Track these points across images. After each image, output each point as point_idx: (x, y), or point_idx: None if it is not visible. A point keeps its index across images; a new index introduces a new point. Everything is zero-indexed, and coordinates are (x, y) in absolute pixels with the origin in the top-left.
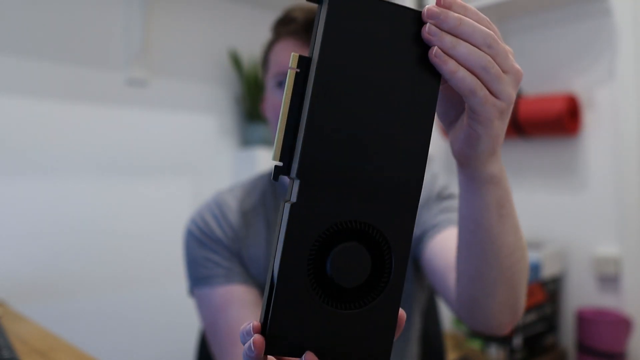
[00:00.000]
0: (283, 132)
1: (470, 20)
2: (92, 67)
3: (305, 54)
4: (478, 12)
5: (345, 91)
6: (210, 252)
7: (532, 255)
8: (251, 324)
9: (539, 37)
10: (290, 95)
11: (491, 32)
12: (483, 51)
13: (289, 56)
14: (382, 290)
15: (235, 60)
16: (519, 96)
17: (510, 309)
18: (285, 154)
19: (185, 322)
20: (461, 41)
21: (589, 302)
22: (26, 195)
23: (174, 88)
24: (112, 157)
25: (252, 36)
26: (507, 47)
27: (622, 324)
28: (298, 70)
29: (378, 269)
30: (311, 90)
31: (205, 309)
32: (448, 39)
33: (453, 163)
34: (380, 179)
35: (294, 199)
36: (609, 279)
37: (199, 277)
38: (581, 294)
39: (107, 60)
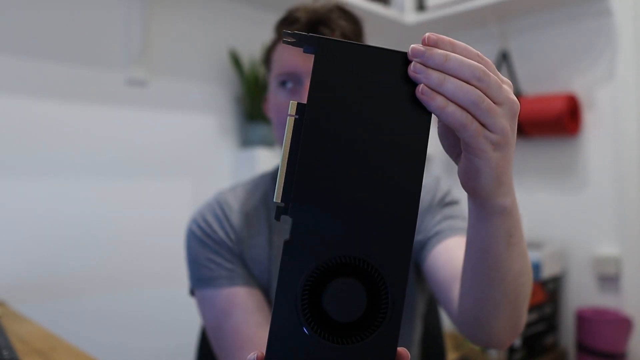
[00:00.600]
0: (284, 174)
1: (457, 56)
2: (92, 67)
3: (307, 54)
4: (467, 47)
5: (335, 134)
6: (212, 253)
7: (532, 255)
8: (255, 355)
9: (539, 37)
10: (289, 140)
11: (481, 65)
12: (473, 85)
13: (290, 57)
14: (379, 325)
15: (235, 60)
16: (519, 96)
17: (513, 327)
18: (286, 195)
19: (185, 322)
20: (449, 77)
21: (589, 302)
22: (26, 195)
23: (174, 88)
24: (112, 157)
25: (252, 36)
26: (504, 78)
27: (622, 324)
28: (297, 116)
29: (375, 304)
30: (302, 134)
31: (209, 311)
32: (435, 76)
33: (453, 164)
34: (374, 216)
35: (287, 236)
36: (609, 279)
37: (201, 278)
38: (581, 294)
39: (107, 60)
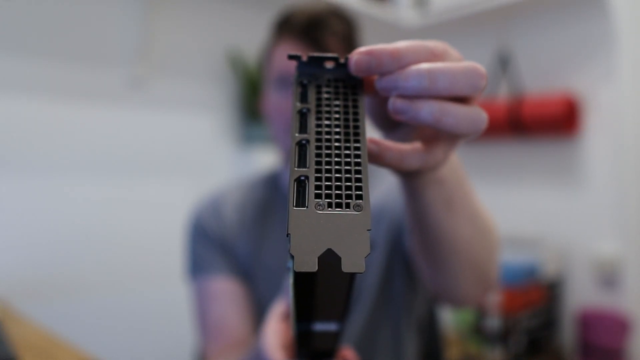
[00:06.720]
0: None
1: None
2: (91, 66)
3: (305, 54)
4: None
5: None
6: (201, 243)
7: (532, 255)
8: None
9: (539, 37)
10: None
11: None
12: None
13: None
14: None
15: (236, 60)
16: (520, 97)
17: (480, 285)
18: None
19: (185, 321)
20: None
21: (589, 302)
22: (26, 195)
23: (174, 87)
24: (111, 157)
25: (253, 36)
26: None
27: (622, 324)
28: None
29: None
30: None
31: (194, 297)
32: (427, 108)
33: None
34: None
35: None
36: (609, 279)
37: (190, 265)
38: (581, 294)
39: (107, 59)
